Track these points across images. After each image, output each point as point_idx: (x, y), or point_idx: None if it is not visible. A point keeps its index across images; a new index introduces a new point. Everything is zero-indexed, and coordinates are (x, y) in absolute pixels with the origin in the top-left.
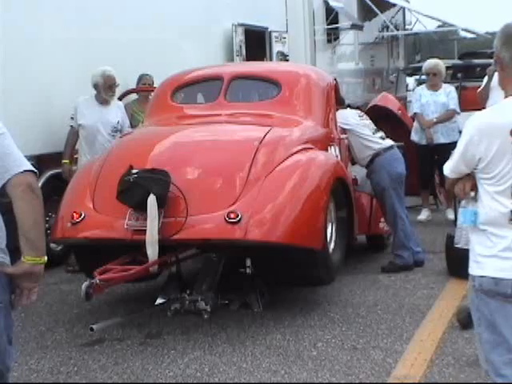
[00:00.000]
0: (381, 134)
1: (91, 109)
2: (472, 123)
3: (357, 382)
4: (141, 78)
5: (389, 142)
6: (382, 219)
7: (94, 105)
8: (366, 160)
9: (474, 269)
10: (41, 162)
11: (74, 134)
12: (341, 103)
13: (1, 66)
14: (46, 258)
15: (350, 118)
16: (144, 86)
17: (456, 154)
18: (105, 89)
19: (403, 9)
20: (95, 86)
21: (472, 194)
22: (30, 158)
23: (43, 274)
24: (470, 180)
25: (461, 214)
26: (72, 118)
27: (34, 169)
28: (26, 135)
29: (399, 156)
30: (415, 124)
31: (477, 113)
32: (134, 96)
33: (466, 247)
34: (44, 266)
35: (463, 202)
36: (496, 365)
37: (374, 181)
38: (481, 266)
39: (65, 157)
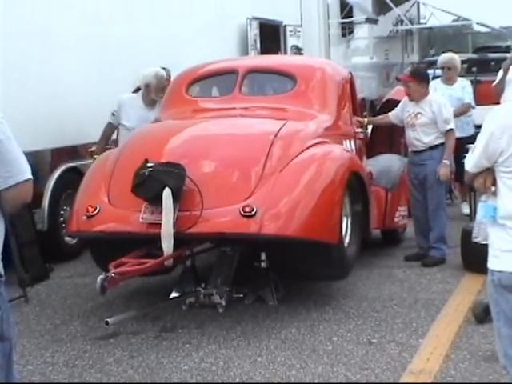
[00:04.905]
0: None
1: (136, 109)
2: (492, 118)
3: (372, 376)
4: None
5: None
6: (397, 214)
7: (139, 106)
8: (430, 144)
9: (493, 263)
10: (55, 155)
11: (110, 130)
12: (427, 80)
13: (18, 64)
14: None
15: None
16: None
17: (477, 149)
18: (156, 90)
19: (418, 3)
20: (146, 87)
21: (493, 188)
22: (45, 152)
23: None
24: (490, 174)
25: (480, 208)
26: (114, 114)
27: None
28: (41, 129)
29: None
30: None
31: (496, 107)
32: None
33: (484, 242)
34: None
35: (483, 197)
36: None
37: (432, 168)
38: (500, 260)
39: (97, 151)
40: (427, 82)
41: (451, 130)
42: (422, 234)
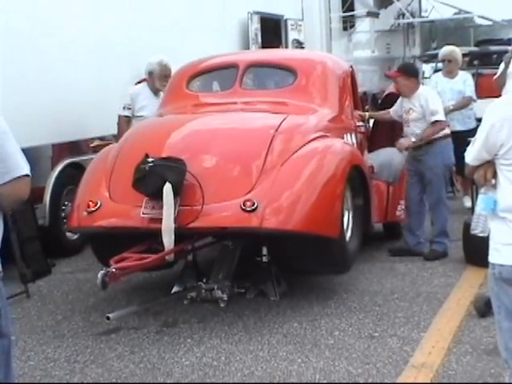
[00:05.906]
0: None
1: (149, 100)
2: (492, 110)
3: (374, 370)
4: None
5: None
6: (399, 207)
7: (149, 95)
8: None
9: (494, 257)
10: (56, 150)
11: (127, 124)
12: (415, 75)
13: (21, 63)
14: None
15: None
16: None
17: (478, 142)
18: (160, 78)
19: None
20: (150, 74)
21: (493, 181)
22: (46, 147)
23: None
24: (491, 167)
25: (480, 201)
26: (129, 108)
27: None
28: (43, 125)
29: (452, 145)
30: None
31: (496, 100)
32: None
33: (482, 235)
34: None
35: (483, 189)
36: None
37: (428, 164)
38: (500, 254)
39: None
40: (416, 76)
41: (437, 121)
42: (409, 230)
